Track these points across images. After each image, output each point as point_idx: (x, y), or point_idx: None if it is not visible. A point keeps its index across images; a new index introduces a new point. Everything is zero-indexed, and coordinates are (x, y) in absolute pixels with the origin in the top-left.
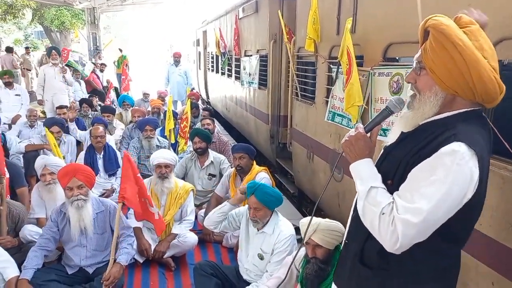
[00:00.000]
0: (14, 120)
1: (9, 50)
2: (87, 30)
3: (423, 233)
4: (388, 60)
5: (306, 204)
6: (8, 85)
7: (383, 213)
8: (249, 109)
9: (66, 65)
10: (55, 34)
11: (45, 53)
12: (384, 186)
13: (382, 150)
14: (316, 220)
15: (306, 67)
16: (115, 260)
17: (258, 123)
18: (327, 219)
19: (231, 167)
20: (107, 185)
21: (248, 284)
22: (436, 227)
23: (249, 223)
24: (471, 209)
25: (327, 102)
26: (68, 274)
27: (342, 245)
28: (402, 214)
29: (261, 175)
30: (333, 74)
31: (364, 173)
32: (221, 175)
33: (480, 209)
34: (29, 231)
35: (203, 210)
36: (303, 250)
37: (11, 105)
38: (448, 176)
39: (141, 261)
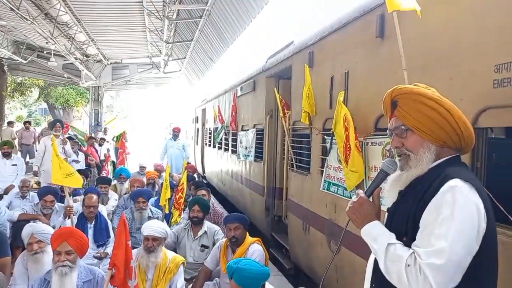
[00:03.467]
0: (7, 190)
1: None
2: (90, 107)
3: (452, 275)
4: (379, 130)
5: (301, 282)
6: (6, 155)
7: (408, 265)
8: (245, 182)
9: (67, 137)
10: (58, 111)
11: (46, 127)
12: (400, 242)
13: (386, 213)
14: None
15: (301, 139)
16: None
17: (254, 195)
18: None
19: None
20: (95, 256)
21: None
22: (464, 267)
23: None
24: (488, 244)
25: (322, 172)
26: None
27: None
28: (426, 260)
29: (254, 247)
30: (327, 145)
31: (377, 234)
32: None
33: (495, 246)
34: None
35: None
36: None
37: (6, 175)
38: (454, 212)
39: None
